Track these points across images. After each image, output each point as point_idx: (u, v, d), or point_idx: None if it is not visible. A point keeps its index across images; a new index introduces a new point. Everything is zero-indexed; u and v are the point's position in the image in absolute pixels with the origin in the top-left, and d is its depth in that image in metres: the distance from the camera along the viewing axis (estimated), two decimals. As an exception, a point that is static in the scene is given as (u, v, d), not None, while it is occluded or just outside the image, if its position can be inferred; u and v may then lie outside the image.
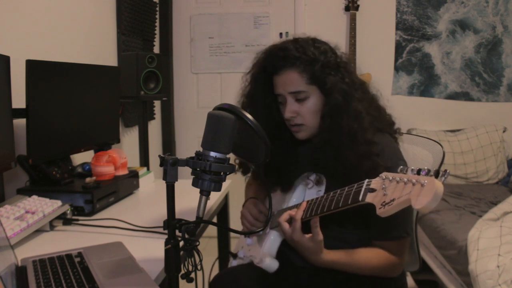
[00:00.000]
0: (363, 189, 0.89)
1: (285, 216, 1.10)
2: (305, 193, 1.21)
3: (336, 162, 1.11)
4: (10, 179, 1.51)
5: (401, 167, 0.82)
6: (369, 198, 0.86)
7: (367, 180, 0.89)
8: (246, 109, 1.27)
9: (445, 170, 0.74)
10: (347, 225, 1.17)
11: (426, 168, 0.77)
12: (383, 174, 0.84)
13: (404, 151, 1.21)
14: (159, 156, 0.81)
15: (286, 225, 1.08)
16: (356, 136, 1.09)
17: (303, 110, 1.15)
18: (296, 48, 1.14)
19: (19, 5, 1.60)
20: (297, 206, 1.12)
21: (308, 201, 1.08)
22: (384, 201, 0.80)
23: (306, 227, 1.06)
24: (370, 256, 1.13)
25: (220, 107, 0.86)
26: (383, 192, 0.81)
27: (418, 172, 0.78)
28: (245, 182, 1.49)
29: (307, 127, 1.17)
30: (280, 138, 1.22)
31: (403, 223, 1.14)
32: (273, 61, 1.17)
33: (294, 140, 1.23)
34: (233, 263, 1.37)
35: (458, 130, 3.06)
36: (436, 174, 0.74)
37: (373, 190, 0.85)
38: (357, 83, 1.18)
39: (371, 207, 0.84)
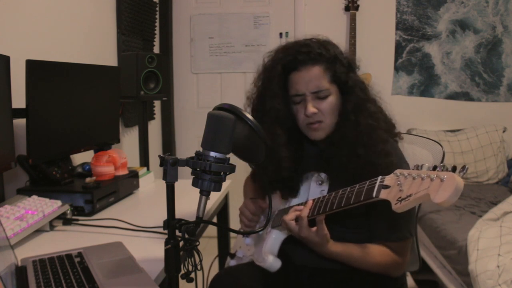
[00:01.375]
0: (376, 186, 0.88)
1: (291, 215, 1.10)
2: (308, 192, 1.20)
3: (349, 159, 1.10)
4: (10, 179, 1.51)
5: (416, 164, 0.82)
6: (383, 195, 0.85)
7: (380, 177, 0.89)
8: (256, 108, 1.23)
9: (464, 166, 0.74)
10: (349, 225, 1.17)
11: (441, 164, 0.77)
12: (398, 171, 0.84)
13: (404, 151, 1.21)
14: (159, 156, 0.81)
15: (292, 223, 1.09)
16: (375, 134, 1.11)
17: (323, 107, 1.14)
18: (318, 46, 1.15)
19: (19, 5, 1.60)
20: (302, 204, 1.12)
21: (314, 199, 1.08)
22: (400, 197, 0.79)
23: (310, 222, 1.06)
24: (374, 252, 1.13)
25: (220, 107, 0.86)
26: (399, 188, 0.81)
27: (434, 168, 0.78)
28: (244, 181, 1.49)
29: (326, 124, 1.15)
30: (293, 145, 1.20)
31: (406, 224, 1.14)
32: (295, 57, 1.14)
33: (301, 146, 1.23)
34: (231, 263, 1.37)
35: (458, 130, 3.06)
36: (453, 170, 0.74)
37: (387, 187, 0.85)
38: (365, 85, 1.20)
39: (383, 204, 0.84)
